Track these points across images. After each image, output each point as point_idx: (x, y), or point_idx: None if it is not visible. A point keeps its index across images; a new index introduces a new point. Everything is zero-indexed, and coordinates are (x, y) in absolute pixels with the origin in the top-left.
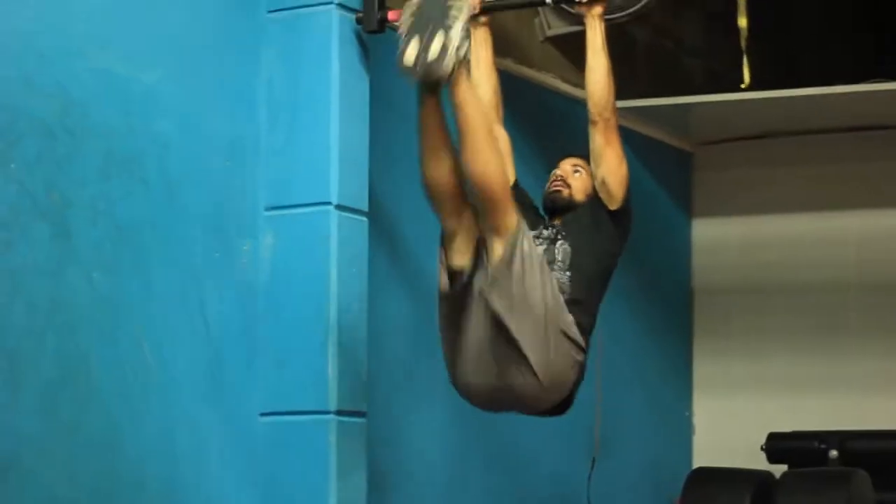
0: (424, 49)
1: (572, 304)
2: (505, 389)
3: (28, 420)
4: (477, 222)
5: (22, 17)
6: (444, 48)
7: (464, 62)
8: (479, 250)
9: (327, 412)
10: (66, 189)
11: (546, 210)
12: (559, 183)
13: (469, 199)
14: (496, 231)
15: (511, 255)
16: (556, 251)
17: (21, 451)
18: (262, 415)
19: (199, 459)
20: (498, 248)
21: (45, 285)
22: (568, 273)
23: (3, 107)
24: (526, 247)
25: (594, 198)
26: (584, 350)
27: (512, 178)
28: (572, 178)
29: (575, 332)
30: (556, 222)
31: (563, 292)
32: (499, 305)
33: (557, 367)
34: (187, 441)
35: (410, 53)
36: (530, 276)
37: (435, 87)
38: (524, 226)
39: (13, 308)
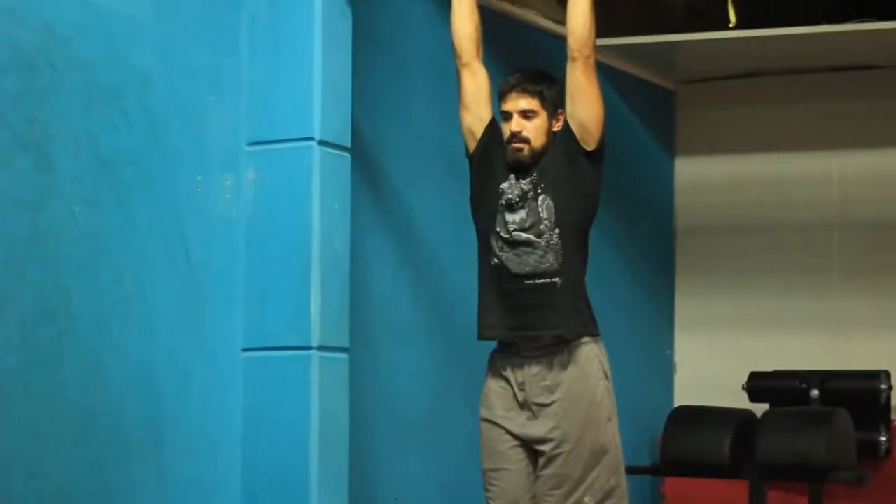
0: None
1: (574, 285)
2: None
3: (8, 353)
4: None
5: None
6: None
7: None
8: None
9: (309, 348)
10: (48, 122)
11: (513, 168)
12: (517, 141)
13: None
14: None
15: None
16: (540, 208)
17: (1, 384)
18: (244, 350)
19: (180, 394)
20: None
21: (26, 218)
22: (556, 230)
23: None
24: None
25: (564, 136)
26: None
27: (489, 116)
28: (527, 128)
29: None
30: (534, 175)
31: (557, 261)
32: None
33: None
34: (168, 375)
35: None
36: None
37: None
38: None
39: None
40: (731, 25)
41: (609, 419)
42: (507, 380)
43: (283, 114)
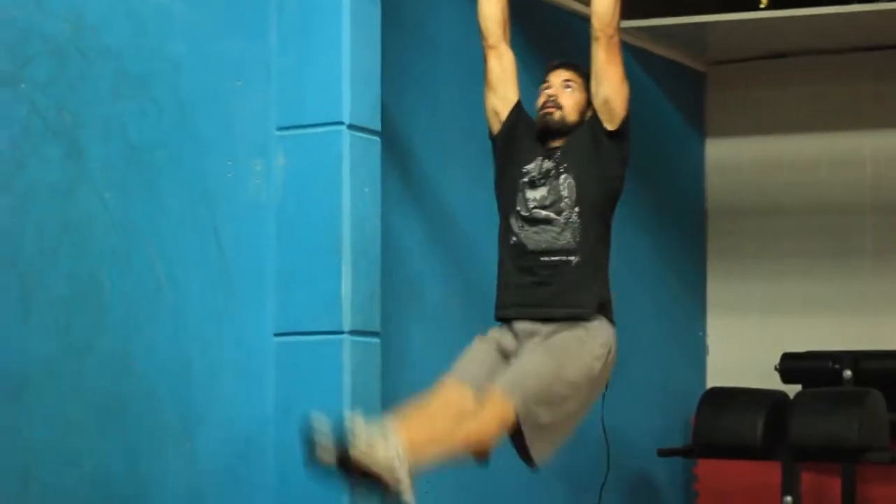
0: None
1: (590, 265)
2: None
3: (40, 341)
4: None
5: None
6: None
7: None
8: None
9: (341, 332)
10: (78, 109)
11: (540, 133)
12: (551, 105)
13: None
14: None
15: None
16: (561, 186)
17: (33, 372)
18: (276, 335)
19: (212, 380)
20: None
21: (56, 206)
22: (576, 209)
23: (15, 27)
24: None
25: (592, 117)
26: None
27: (515, 98)
28: (564, 95)
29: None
30: (555, 147)
31: (574, 239)
32: None
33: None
34: (200, 361)
35: None
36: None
37: None
38: None
39: (25, 228)
40: (761, 6)
41: (596, 380)
42: (506, 329)
43: (312, 99)
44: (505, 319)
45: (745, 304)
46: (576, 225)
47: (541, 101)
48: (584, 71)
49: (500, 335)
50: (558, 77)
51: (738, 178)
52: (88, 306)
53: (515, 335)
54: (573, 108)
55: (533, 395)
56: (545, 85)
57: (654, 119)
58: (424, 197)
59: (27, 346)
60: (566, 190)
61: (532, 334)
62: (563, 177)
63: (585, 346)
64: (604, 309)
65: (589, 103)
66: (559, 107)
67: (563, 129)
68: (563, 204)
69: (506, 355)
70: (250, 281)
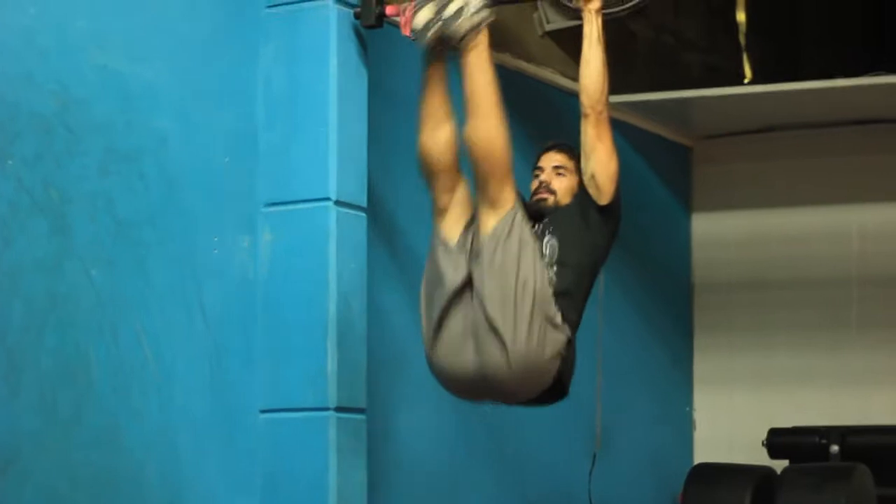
0: (441, 8)
1: (559, 296)
2: (478, 372)
3: (27, 416)
4: (469, 199)
5: (22, 14)
6: (459, 10)
7: (478, 29)
8: (470, 228)
9: (326, 409)
10: (65, 185)
11: (532, 216)
12: (544, 191)
13: (462, 174)
14: (492, 203)
15: (507, 230)
16: (544, 246)
17: (20, 447)
18: (262, 412)
19: (199, 456)
20: (491, 221)
21: (43, 281)
22: (554, 268)
23: (2, 103)
24: (522, 224)
25: (581, 193)
26: (570, 342)
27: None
28: (556, 181)
29: (559, 321)
30: (545, 220)
31: (550, 286)
32: (482, 282)
33: (533, 355)
34: (187, 438)
35: (423, 15)
36: (524, 255)
37: (443, 50)
38: (520, 204)
39: (12, 304)
40: (745, 81)
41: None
42: None
43: (299, 175)
44: None
45: (732, 379)
46: (552, 281)
47: (533, 185)
48: (576, 153)
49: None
50: (549, 161)
51: (724, 252)
52: (75, 381)
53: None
54: (566, 192)
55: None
56: (537, 170)
57: (641, 193)
58: (411, 271)
59: (15, 421)
60: (548, 250)
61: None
62: (546, 238)
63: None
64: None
65: (578, 184)
66: (552, 192)
67: (554, 211)
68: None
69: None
70: (237, 357)
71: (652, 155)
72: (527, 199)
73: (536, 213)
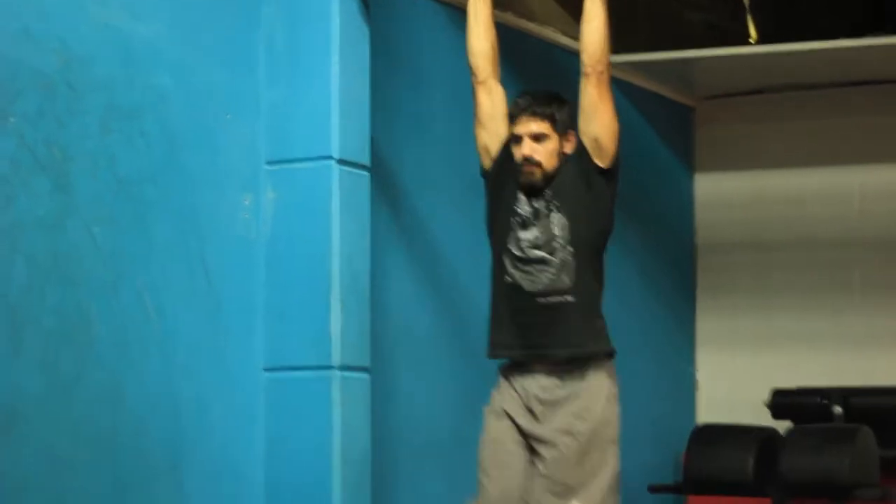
0: None
1: (587, 303)
2: None
3: (29, 375)
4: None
5: None
6: None
7: None
8: None
9: (330, 367)
10: (67, 143)
11: (525, 190)
12: (529, 167)
13: None
14: None
15: None
16: (553, 226)
17: (22, 406)
18: (266, 370)
19: (202, 414)
20: None
21: (45, 239)
22: (570, 248)
23: (3, 61)
24: None
25: (577, 153)
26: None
27: (506, 133)
28: (539, 151)
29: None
30: (546, 193)
31: (570, 278)
32: None
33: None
34: (189, 396)
35: None
36: None
37: None
38: None
39: (14, 262)
40: (751, 41)
41: (612, 441)
42: (515, 390)
43: (301, 133)
44: (500, 357)
45: (735, 340)
46: (571, 265)
47: (517, 157)
48: (549, 111)
49: (507, 402)
50: (527, 129)
51: (727, 213)
52: (77, 340)
53: (525, 403)
54: (550, 157)
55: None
56: (515, 139)
57: (644, 154)
58: (414, 231)
59: (17, 381)
60: (558, 229)
61: (543, 403)
62: (554, 215)
63: (595, 412)
64: (601, 343)
65: (564, 137)
66: (537, 164)
67: (547, 180)
68: (555, 243)
69: (525, 436)
70: (240, 315)
71: (654, 115)
72: None
73: (530, 187)
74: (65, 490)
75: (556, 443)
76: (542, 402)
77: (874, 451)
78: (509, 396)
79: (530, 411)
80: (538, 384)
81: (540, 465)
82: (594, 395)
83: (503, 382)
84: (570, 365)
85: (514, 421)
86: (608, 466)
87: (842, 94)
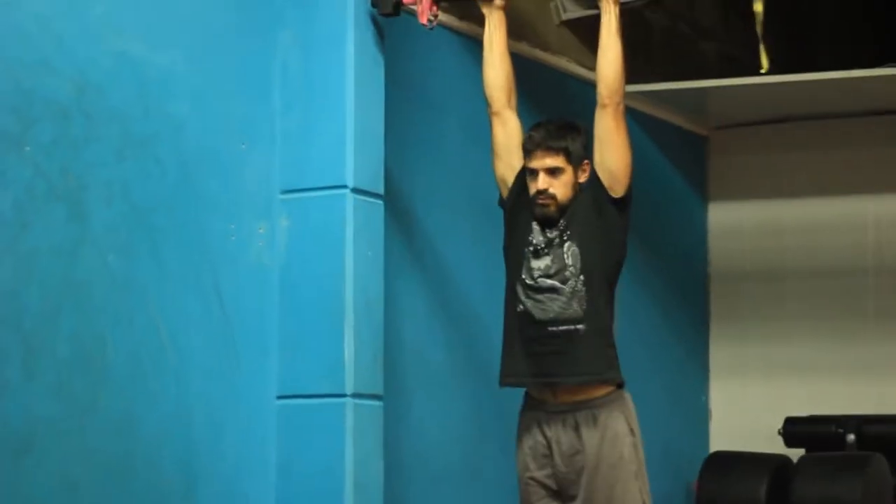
0: None
1: (598, 332)
2: None
3: (44, 402)
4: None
5: (39, 0)
6: None
7: None
8: None
9: (343, 395)
10: (82, 171)
11: (540, 223)
12: (543, 199)
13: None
14: None
15: None
16: (566, 255)
17: (37, 433)
18: (279, 397)
19: (215, 442)
20: None
21: (60, 267)
22: (581, 277)
23: (19, 90)
24: None
25: (591, 183)
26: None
27: (520, 164)
28: (554, 185)
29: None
30: (560, 224)
31: (581, 307)
32: None
33: None
34: (203, 423)
35: None
36: None
37: None
38: None
39: (29, 290)
40: (762, 71)
41: (636, 476)
42: (535, 436)
43: (316, 162)
44: (510, 385)
45: (748, 368)
46: (582, 293)
47: (531, 190)
48: (563, 144)
49: (532, 460)
50: (542, 163)
51: (740, 242)
52: (91, 367)
53: (550, 451)
54: (566, 188)
55: None
56: (530, 172)
57: (657, 183)
58: (427, 259)
59: (31, 407)
60: (570, 258)
61: (567, 455)
62: (567, 244)
63: (623, 461)
64: (612, 373)
65: (578, 167)
66: (552, 197)
67: (561, 211)
68: (567, 272)
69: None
70: (253, 343)
71: (668, 144)
72: None
73: (544, 218)
74: None
75: (579, 497)
76: (562, 458)
77: (888, 479)
78: (530, 454)
79: (552, 461)
80: (555, 433)
81: None
82: (610, 441)
83: (521, 437)
84: (582, 403)
85: (543, 484)
86: (637, 502)
87: (856, 123)
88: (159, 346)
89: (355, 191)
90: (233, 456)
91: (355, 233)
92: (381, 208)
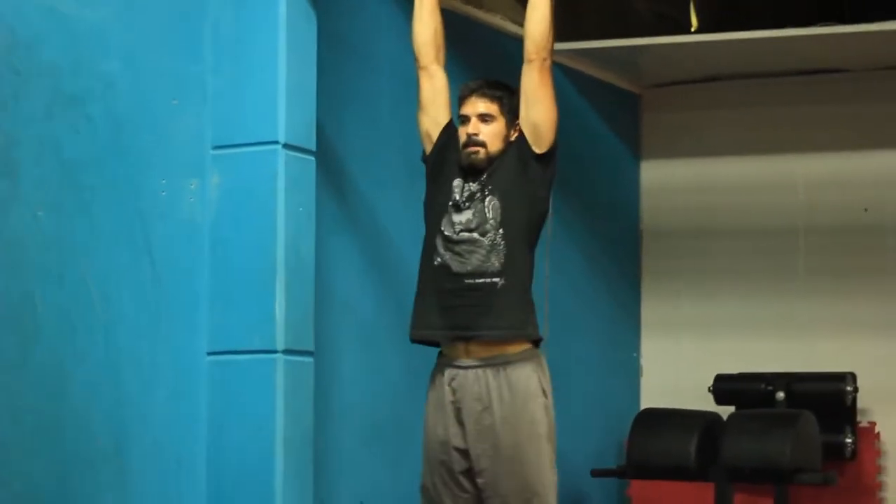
0: None
1: (517, 287)
2: None
3: None
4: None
5: None
6: None
7: None
8: None
9: (274, 351)
10: (12, 127)
11: (466, 170)
12: (473, 146)
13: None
14: None
15: None
16: (487, 209)
17: None
18: (209, 354)
19: (146, 398)
20: None
21: None
22: (501, 231)
23: None
24: None
25: (518, 138)
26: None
27: (446, 119)
28: (484, 131)
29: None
30: (482, 177)
31: (499, 261)
32: None
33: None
34: (133, 380)
35: None
36: None
37: None
38: None
39: None
40: (692, 29)
41: (547, 439)
42: (444, 394)
43: (247, 118)
44: (422, 339)
45: (680, 325)
46: (501, 247)
47: (462, 138)
48: (498, 94)
49: (439, 416)
50: (474, 109)
51: (672, 200)
52: (21, 325)
53: (459, 410)
54: (495, 139)
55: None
56: (463, 119)
57: (590, 141)
58: (359, 215)
59: None
60: (491, 212)
61: (476, 412)
62: (488, 199)
63: (535, 422)
64: (528, 329)
65: (511, 124)
66: (482, 144)
67: (489, 162)
68: (487, 226)
69: (460, 450)
70: (184, 300)
71: (601, 102)
72: None
73: (470, 167)
74: (6, 475)
75: (487, 455)
76: (469, 416)
77: (816, 436)
78: (436, 412)
79: (458, 420)
80: (463, 388)
81: (479, 480)
82: (521, 400)
83: (430, 389)
84: (495, 358)
85: (449, 442)
86: (544, 467)
87: (788, 83)
88: (89, 304)
89: (287, 147)
90: (163, 413)
91: (287, 189)
92: (313, 164)
